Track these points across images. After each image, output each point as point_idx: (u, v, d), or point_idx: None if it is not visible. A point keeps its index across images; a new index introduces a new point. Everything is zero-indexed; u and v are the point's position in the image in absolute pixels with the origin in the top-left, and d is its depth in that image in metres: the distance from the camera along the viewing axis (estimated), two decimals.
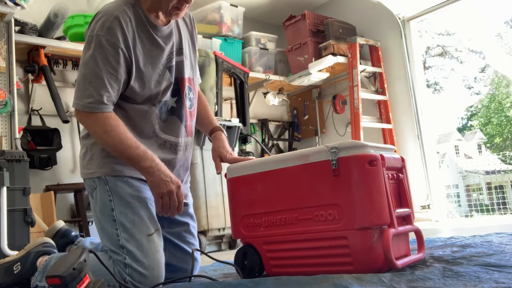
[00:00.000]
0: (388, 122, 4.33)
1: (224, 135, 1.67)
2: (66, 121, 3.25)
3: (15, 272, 1.53)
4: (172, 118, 1.54)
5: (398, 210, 1.39)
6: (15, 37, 2.88)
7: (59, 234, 1.81)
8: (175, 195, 1.39)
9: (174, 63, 1.53)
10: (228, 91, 4.40)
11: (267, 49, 4.53)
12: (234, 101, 4.25)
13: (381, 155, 1.35)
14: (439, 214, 4.08)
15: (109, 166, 1.44)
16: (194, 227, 1.65)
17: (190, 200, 1.68)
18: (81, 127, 1.54)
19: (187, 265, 1.58)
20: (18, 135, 2.74)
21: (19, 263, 1.54)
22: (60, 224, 1.85)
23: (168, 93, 1.52)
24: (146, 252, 1.36)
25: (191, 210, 1.67)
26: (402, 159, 1.51)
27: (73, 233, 1.82)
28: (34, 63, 3.23)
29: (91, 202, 1.51)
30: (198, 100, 1.70)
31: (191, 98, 1.60)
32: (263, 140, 4.84)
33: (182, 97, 1.56)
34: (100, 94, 1.36)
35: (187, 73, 1.58)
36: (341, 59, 4.22)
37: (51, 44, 3.19)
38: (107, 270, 1.29)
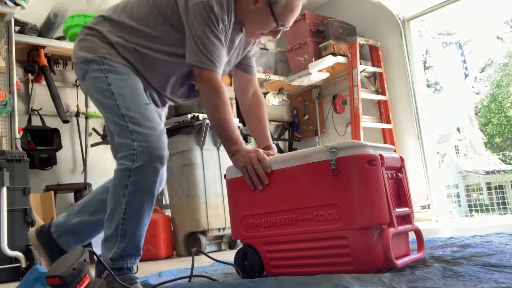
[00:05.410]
0: (388, 122, 4.33)
1: (272, 152, 1.70)
2: (66, 121, 3.26)
3: None
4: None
5: (398, 210, 1.39)
6: (15, 37, 2.89)
7: None
8: (255, 160, 1.48)
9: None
10: (228, 91, 4.38)
11: (267, 49, 4.53)
12: (234, 101, 4.25)
13: (380, 155, 1.35)
14: (439, 214, 4.08)
15: (104, 50, 1.54)
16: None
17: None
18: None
19: None
20: (18, 135, 2.74)
21: None
22: None
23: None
24: (146, 116, 1.48)
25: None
26: (401, 159, 1.51)
27: None
28: (34, 63, 3.24)
29: (83, 85, 1.61)
30: (260, 108, 2.05)
31: None
32: None
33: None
34: (222, 61, 1.56)
35: None
36: (341, 59, 4.22)
37: (51, 44, 3.19)
38: (106, 268, 1.29)
